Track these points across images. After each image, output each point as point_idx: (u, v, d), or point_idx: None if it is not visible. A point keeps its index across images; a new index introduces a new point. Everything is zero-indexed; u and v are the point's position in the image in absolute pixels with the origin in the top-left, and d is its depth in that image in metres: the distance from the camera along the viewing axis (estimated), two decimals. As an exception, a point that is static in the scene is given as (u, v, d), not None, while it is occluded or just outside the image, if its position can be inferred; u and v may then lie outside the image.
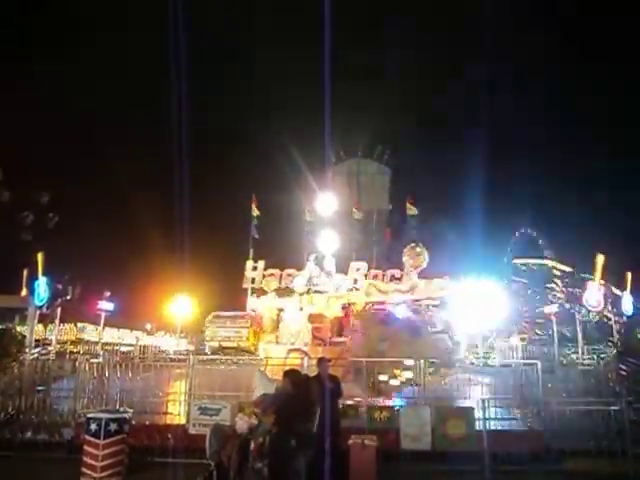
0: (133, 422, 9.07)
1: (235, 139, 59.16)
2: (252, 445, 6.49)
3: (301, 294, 21.09)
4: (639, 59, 65.04)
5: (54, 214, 23.79)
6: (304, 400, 6.55)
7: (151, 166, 51.35)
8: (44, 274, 20.04)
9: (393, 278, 24.58)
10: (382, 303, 20.65)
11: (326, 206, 24.07)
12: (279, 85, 70.44)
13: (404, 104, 51.04)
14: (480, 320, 27.36)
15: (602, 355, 19.55)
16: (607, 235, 34.10)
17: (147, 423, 10.26)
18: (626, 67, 57.98)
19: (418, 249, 21.83)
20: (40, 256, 20.28)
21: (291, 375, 6.84)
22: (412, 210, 27.46)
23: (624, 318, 23.82)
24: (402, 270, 24.72)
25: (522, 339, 28.24)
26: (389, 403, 11.68)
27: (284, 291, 22.97)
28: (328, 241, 23.50)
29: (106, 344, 32.29)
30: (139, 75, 62.08)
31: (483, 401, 9.80)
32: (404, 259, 21.95)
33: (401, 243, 28.15)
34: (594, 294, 22.73)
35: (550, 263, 39.50)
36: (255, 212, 28.85)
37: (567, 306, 25.76)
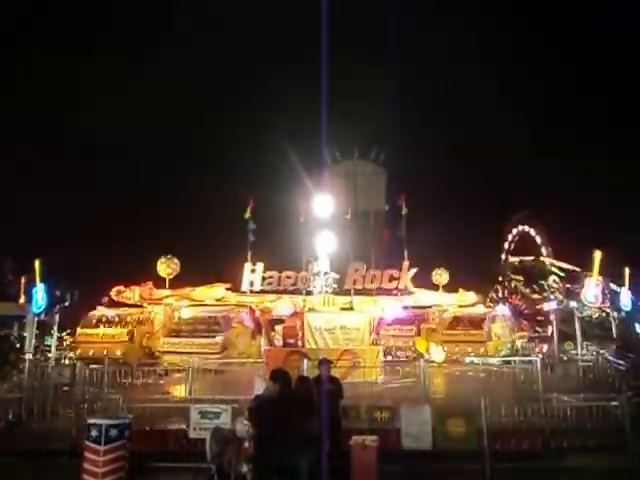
0: (133, 427, 9.06)
1: (231, 141, 59.17)
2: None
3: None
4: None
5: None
6: (293, 400, 6.42)
7: (149, 168, 51.39)
8: (42, 281, 19.98)
9: (392, 278, 24.48)
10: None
11: (323, 208, 24.01)
12: (276, 86, 70.58)
13: (400, 104, 51.03)
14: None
15: (601, 351, 19.55)
16: (604, 230, 34.19)
17: (147, 428, 10.23)
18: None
19: (171, 258, 25.28)
20: (37, 263, 20.21)
21: (275, 375, 6.67)
22: (405, 210, 27.36)
23: (622, 313, 23.82)
24: (400, 270, 24.67)
25: (521, 337, 28.21)
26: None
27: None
28: (325, 243, 23.52)
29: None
30: (139, 74, 61.82)
31: (484, 399, 9.80)
32: (158, 268, 25.23)
33: (397, 243, 28.13)
34: (592, 290, 22.73)
35: (547, 260, 39.57)
36: (248, 214, 28.58)
37: (565, 303, 25.77)
